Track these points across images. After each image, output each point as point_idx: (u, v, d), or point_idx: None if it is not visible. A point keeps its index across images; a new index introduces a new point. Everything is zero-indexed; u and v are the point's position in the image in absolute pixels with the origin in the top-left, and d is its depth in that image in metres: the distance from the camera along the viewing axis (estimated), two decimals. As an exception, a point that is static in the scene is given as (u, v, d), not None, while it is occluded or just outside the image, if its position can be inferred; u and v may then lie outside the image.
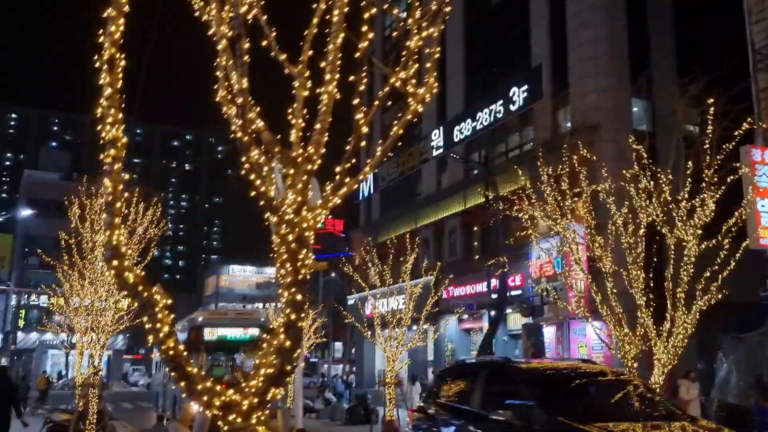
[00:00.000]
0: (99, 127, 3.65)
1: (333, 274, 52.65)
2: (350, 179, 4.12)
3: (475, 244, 28.78)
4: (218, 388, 3.67)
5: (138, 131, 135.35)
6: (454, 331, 28.85)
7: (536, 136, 24.61)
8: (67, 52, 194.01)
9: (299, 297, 3.92)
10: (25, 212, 46.22)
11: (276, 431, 4.82)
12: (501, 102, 26.49)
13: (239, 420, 3.64)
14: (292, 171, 3.94)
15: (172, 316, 3.71)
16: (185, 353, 3.68)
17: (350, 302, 29.29)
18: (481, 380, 8.96)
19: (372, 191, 37.08)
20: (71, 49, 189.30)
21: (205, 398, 3.62)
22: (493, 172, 24.31)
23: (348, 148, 4.14)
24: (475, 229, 29.04)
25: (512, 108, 25.87)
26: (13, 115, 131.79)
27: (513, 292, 24.21)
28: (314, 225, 4.01)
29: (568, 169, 12.45)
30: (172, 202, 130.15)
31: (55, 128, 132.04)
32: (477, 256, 27.65)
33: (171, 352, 3.62)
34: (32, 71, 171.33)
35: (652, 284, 11.36)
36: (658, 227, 11.75)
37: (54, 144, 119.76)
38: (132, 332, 57.59)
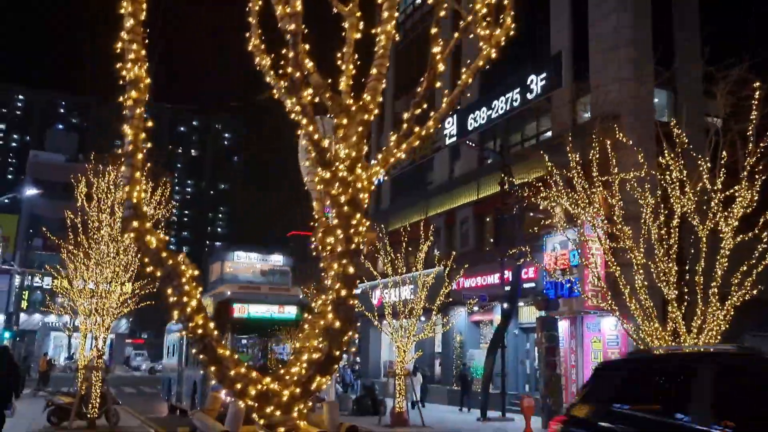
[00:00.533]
0: (119, 65, 3.12)
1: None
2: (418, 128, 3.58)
3: (488, 235, 28.23)
4: (254, 374, 3.13)
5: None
6: (463, 323, 28.34)
7: (561, 122, 23.93)
8: (74, 35, 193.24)
9: (351, 270, 3.38)
10: (31, 191, 45.69)
11: (320, 427, 4.27)
12: (518, 90, 25.82)
13: (278, 413, 3.09)
14: (345, 121, 3.40)
15: (200, 289, 3.20)
16: (216, 332, 3.15)
17: (357, 291, 28.79)
18: (705, 382, 5.94)
19: (382, 179, 36.50)
20: (78, 32, 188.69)
21: (239, 386, 3.06)
22: (508, 162, 23.79)
23: (419, 90, 3.60)
24: (488, 219, 28.49)
25: (529, 96, 25.22)
26: (20, 97, 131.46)
27: (525, 285, 23.69)
28: (369, 186, 3.49)
29: (598, 155, 11.89)
30: (177, 188, 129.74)
31: (62, 110, 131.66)
32: (489, 248, 27.11)
33: (200, 331, 3.07)
34: (39, 53, 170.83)
35: (687, 277, 10.83)
36: (689, 218, 11.22)
37: (60, 127, 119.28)
38: (135, 316, 57.24)
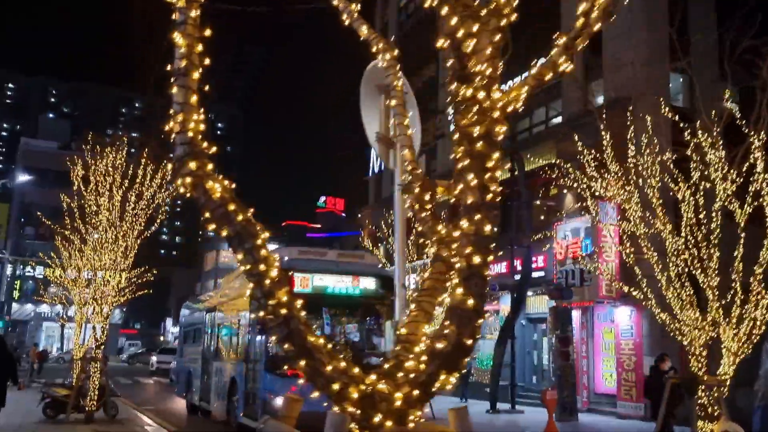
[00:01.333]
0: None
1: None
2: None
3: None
4: (356, 371, 2.37)
5: (137, 104, 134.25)
6: (468, 313, 27.71)
7: (573, 105, 23.22)
8: (67, 20, 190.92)
9: (487, 228, 2.65)
10: (23, 178, 44.79)
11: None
12: (526, 74, 25.11)
13: (389, 423, 2.30)
14: (475, 28, 2.70)
15: (277, 256, 2.47)
16: (303, 314, 2.39)
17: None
18: None
19: (383, 166, 35.79)
20: (71, 17, 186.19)
21: (336, 387, 2.29)
22: (517, 148, 23.16)
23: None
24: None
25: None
26: (11, 85, 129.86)
27: (535, 274, 23.07)
28: (503, 117, 2.79)
29: (633, 133, 11.26)
30: (165, 181, 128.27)
31: (53, 99, 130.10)
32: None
33: (283, 311, 2.30)
34: (33, 39, 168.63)
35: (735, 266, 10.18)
36: (726, 202, 10.58)
37: (51, 115, 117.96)
38: (128, 306, 56.52)
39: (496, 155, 2.79)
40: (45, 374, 30.78)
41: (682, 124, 10.68)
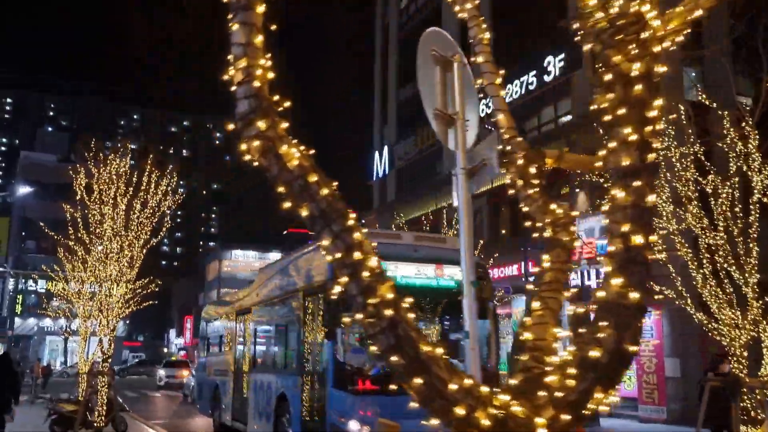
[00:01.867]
0: None
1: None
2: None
3: (502, 226, 27.09)
4: (483, 390, 1.81)
5: (135, 117, 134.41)
6: (479, 317, 27.18)
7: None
8: (67, 20, 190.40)
9: (649, 198, 2.06)
10: (24, 190, 44.26)
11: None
12: (534, 72, 24.72)
13: None
14: None
15: (374, 244, 1.94)
16: (411, 316, 1.82)
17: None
18: None
19: (387, 170, 35.29)
20: (71, 17, 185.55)
21: (461, 411, 1.72)
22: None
23: None
24: (503, 209, 27.35)
25: (547, 79, 24.12)
26: (8, 99, 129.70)
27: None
28: (660, 52, 2.27)
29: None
30: (169, 188, 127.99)
31: (51, 113, 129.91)
32: (505, 238, 25.97)
33: (388, 312, 1.75)
34: (33, 39, 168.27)
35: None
36: (761, 196, 10.13)
37: (49, 128, 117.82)
38: (131, 318, 55.94)
39: (658, 102, 2.24)
40: (50, 389, 30.28)
41: (720, 112, 10.22)
